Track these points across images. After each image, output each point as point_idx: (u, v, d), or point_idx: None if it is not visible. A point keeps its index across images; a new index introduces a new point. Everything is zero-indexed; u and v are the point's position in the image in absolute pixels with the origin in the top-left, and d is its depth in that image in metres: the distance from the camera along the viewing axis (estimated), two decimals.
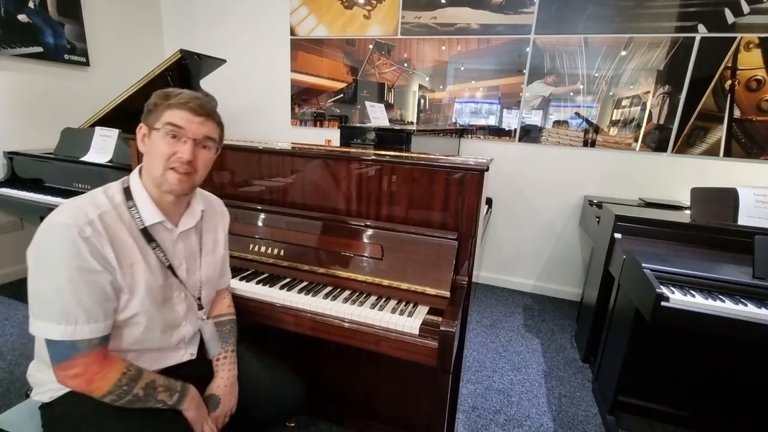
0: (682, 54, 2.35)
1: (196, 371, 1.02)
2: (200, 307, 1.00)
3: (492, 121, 2.83)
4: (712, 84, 2.33)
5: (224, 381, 1.01)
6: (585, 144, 2.64)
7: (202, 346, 1.08)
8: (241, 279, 1.31)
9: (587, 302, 2.23)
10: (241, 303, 1.23)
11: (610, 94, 2.53)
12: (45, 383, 0.88)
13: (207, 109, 0.88)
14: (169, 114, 0.85)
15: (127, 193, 0.88)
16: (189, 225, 0.97)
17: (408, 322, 1.09)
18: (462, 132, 2.89)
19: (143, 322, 0.88)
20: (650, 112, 2.47)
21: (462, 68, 2.81)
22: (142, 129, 0.88)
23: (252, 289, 1.25)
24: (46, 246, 0.77)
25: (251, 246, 1.39)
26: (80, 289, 0.76)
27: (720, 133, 2.37)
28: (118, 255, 0.82)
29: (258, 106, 3.44)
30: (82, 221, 0.78)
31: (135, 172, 0.91)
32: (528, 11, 2.58)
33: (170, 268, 0.92)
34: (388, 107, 3.00)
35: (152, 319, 0.90)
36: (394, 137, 1.88)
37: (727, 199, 1.59)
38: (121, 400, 0.81)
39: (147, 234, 0.88)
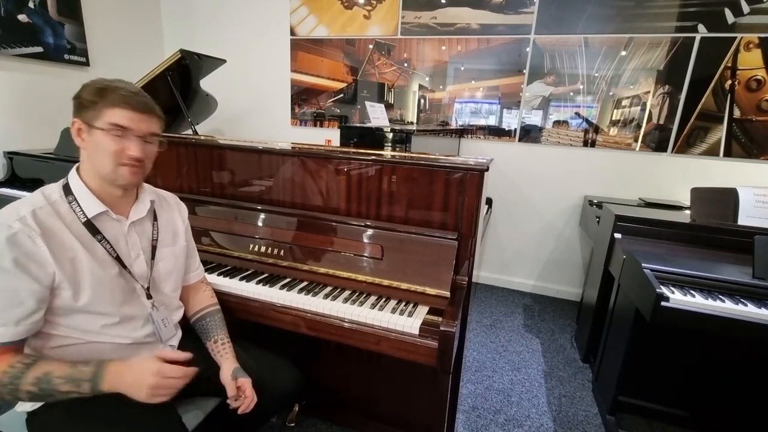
0: (682, 54, 2.35)
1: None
2: (149, 297, 0.97)
3: (492, 121, 2.83)
4: (712, 84, 2.33)
5: (229, 368, 1.02)
6: (585, 144, 2.64)
7: (186, 342, 1.08)
8: (241, 279, 1.31)
9: (587, 302, 2.23)
10: (241, 303, 1.24)
11: (610, 94, 2.53)
12: None
13: (149, 106, 0.87)
14: (110, 113, 0.82)
15: (67, 189, 0.88)
16: (140, 215, 0.96)
17: (408, 322, 1.09)
18: (462, 132, 2.89)
19: (101, 316, 0.87)
20: (650, 112, 2.47)
21: (462, 68, 2.81)
22: (76, 124, 0.85)
23: (252, 289, 1.25)
24: None
25: (251, 246, 1.39)
26: None
27: (720, 133, 2.37)
28: (54, 249, 0.80)
29: (258, 106, 3.44)
30: (11, 218, 0.77)
31: (73, 170, 0.90)
32: (528, 11, 2.58)
33: (118, 259, 0.91)
34: (388, 107, 3.00)
35: (112, 313, 0.89)
36: (394, 137, 1.88)
37: (727, 199, 1.59)
38: (17, 397, 0.78)
39: (92, 227, 0.87)
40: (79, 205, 0.86)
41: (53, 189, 0.88)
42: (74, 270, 0.83)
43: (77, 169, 0.90)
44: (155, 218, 1.02)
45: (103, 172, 0.86)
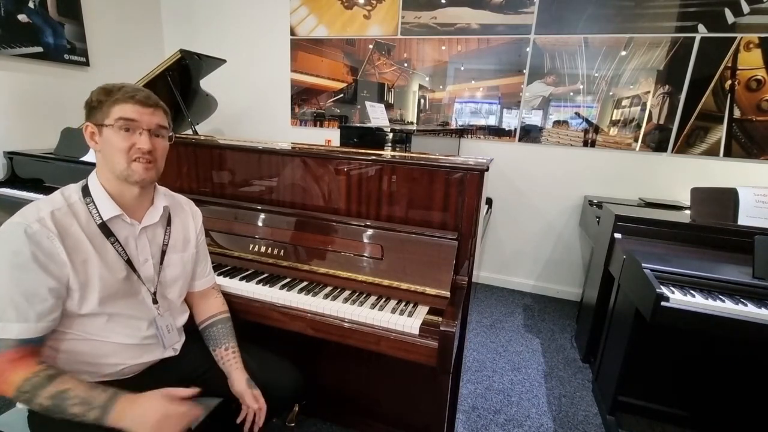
0: (682, 54, 2.35)
1: (183, 368, 1.04)
2: (155, 302, 0.98)
3: (492, 121, 2.83)
4: (712, 84, 2.33)
5: (242, 378, 1.02)
6: (585, 144, 2.64)
7: (189, 344, 1.08)
8: (241, 279, 1.31)
9: (587, 302, 2.23)
10: (241, 303, 1.24)
11: (610, 94, 2.53)
12: None
13: (154, 99, 0.90)
14: (117, 109, 0.85)
15: (85, 190, 0.89)
16: (152, 220, 0.97)
17: (408, 322, 1.09)
18: (462, 132, 2.89)
19: (108, 317, 0.88)
20: (650, 112, 2.47)
21: (462, 68, 2.81)
22: (89, 128, 0.87)
23: (252, 289, 1.25)
24: None
25: (251, 246, 1.39)
26: (13, 287, 0.76)
27: (720, 133, 2.37)
28: (69, 250, 0.81)
29: (258, 106, 3.44)
30: (31, 218, 0.79)
31: (93, 172, 0.91)
32: (528, 11, 2.58)
33: (129, 262, 0.91)
34: (388, 107, 3.00)
35: (118, 314, 0.90)
36: (394, 137, 1.88)
37: (727, 199, 1.59)
38: (30, 405, 0.78)
39: (106, 228, 0.88)
40: (96, 207, 0.88)
41: (73, 190, 0.89)
42: (85, 273, 0.84)
43: (96, 172, 0.91)
44: (168, 223, 1.02)
45: (117, 171, 0.87)
